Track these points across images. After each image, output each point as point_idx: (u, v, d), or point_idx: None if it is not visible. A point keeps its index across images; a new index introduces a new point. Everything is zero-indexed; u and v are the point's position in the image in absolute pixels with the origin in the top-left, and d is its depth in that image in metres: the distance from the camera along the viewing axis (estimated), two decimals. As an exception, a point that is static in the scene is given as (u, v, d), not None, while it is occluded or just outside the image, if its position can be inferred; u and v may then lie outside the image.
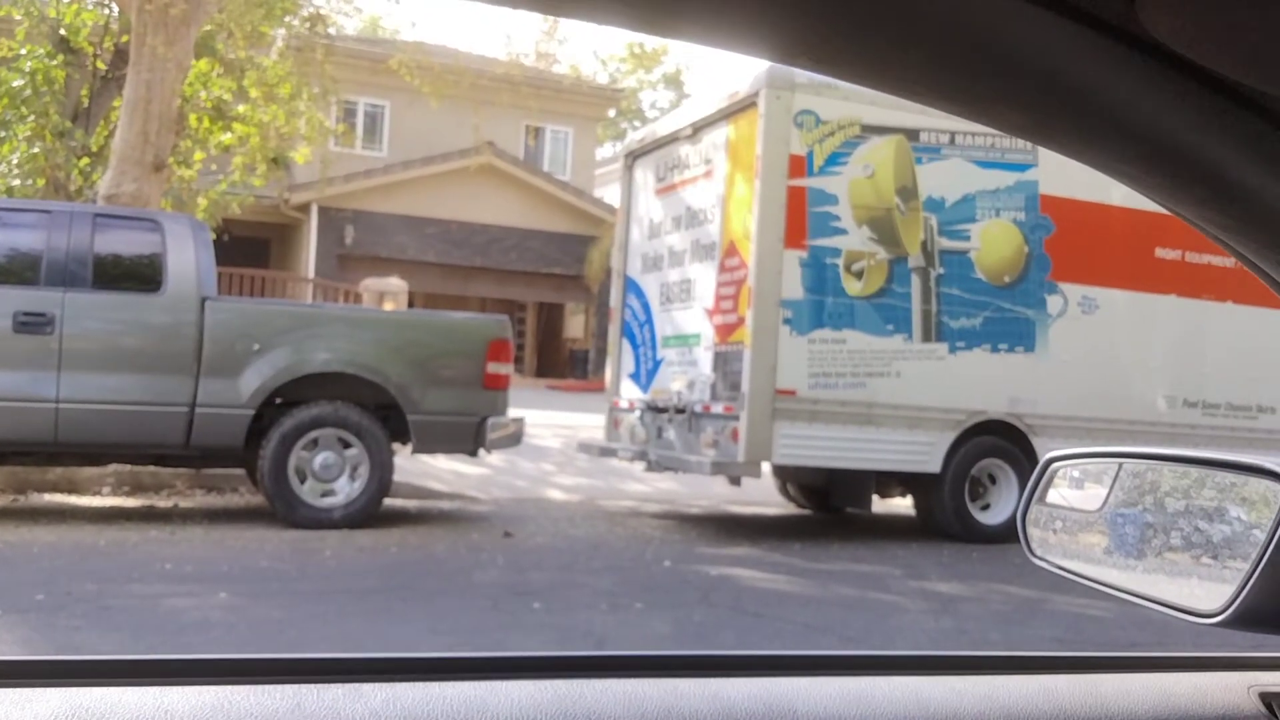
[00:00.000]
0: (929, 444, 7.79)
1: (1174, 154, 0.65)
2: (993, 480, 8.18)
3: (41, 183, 10.88)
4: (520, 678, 0.88)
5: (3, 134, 10.88)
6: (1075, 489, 1.05)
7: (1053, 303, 8.17)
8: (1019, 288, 8.08)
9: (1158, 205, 0.76)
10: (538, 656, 0.92)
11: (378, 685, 0.84)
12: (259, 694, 0.81)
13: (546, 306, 24.81)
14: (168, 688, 0.80)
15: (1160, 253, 8.37)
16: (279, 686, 0.82)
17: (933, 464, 7.81)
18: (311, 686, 0.83)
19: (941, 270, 7.85)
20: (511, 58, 18.16)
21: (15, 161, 10.85)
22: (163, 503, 8.00)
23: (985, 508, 8.15)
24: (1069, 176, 7.98)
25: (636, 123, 35.28)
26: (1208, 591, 0.86)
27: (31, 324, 6.58)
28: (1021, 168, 8.07)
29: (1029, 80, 0.60)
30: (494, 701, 0.83)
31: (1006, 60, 0.59)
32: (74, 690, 0.79)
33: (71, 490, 8.13)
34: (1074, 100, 0.61)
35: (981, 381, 7.93)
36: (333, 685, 0.83)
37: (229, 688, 0.81)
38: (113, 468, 8.10)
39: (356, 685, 0.84)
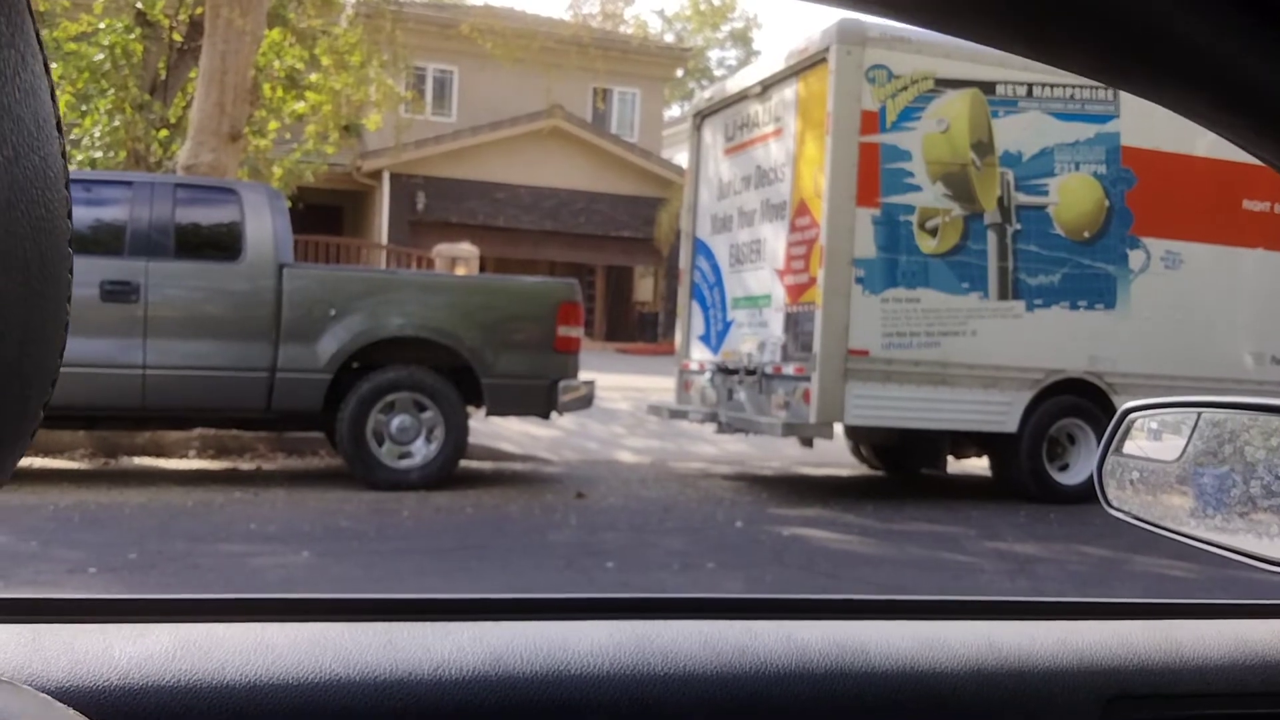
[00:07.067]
0: (1006, 403, 7.67)
1: (1250, 95, 0.63)
2: (1071, 440, 8.03)
3: (123, 155, 11.15)
4: (601, 618, 0.91)
5: (84, 108, 11.17)
6: (1153, 440, 1.03)
7: (1134, 258, 7.95)
8: (1099, 243, 7.88)
9: (1242, 153, 0.74)
10: (618, 598, 0.94)
11: (465, 624, 0.88)
12: (353, 630, 0.84)
13: (616, 270, 24.83)
14: (268, 624, 0.84)
15: (1248, 204, 8.10)
16: (372, 624, 0.86)
17: (1009, 424, 7.69)
18: (403, 624, 0.87)
19: (1019, 226, 7.68)
20: (578, 18, 18.06)
21: (97, 134, 11.13)
22: (246, 465, 8.22)
23: (1064, 468, 8.01)
24: (1152, 127, 7.73)
25: (705, 82, 34.94)
26: None
27: (117, 293, 6.78)
28: (1102, 119, 7.84)
29: (1102, 20, 0.59)
30: (575, 640, 0.86)
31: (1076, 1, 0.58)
32: (182, 626, 0.83)
33: (159, 454, 8.39)
34: (1147, 41, 0.60)
35: (1060, 339, 7.77)
36: (423, 623, 0.87)
37: (325, 624, 0.85)
38: (198, 431, 8.34)
39: (445, 624, 0.87)
